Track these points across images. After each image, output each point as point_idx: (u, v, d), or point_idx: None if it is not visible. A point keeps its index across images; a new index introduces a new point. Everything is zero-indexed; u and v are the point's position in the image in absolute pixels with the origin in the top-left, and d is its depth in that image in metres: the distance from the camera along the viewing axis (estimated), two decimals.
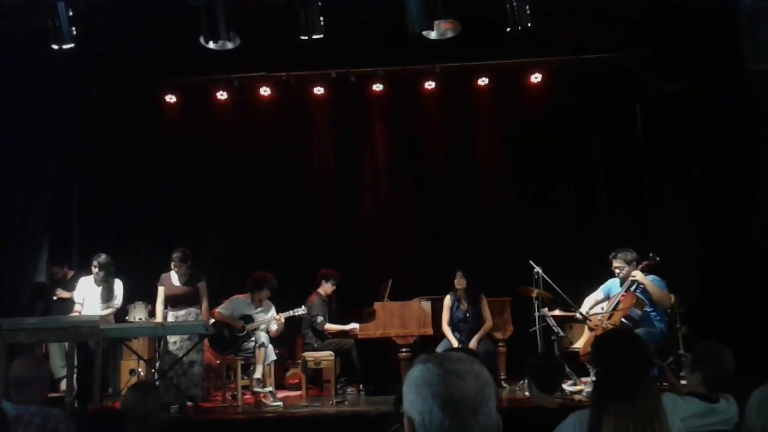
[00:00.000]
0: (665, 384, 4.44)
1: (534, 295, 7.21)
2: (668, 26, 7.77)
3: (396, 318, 7.42)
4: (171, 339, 6.87)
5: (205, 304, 7.07)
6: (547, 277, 7.15)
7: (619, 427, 2.18)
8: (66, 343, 6.55)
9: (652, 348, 6.42)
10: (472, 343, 7.16)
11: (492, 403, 1.47)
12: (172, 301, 7.05)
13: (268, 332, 7.27)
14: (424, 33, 6.68)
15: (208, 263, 7.84)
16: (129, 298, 7.60)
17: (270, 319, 7.27)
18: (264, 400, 6.82)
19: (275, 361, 7.33)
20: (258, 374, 6.93)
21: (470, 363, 1.51)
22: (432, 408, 1.44)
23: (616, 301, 6.53)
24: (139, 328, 7.21)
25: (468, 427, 1.43)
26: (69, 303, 7.25)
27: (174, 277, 7.09)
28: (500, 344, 7.61)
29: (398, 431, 2.69)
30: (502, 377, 7.46)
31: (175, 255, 7.04)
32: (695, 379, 3.28)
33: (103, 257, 6.97)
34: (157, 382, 6.43)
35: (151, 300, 7.48)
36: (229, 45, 6.89)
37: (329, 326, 7.63)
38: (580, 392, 6.30)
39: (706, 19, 7.17)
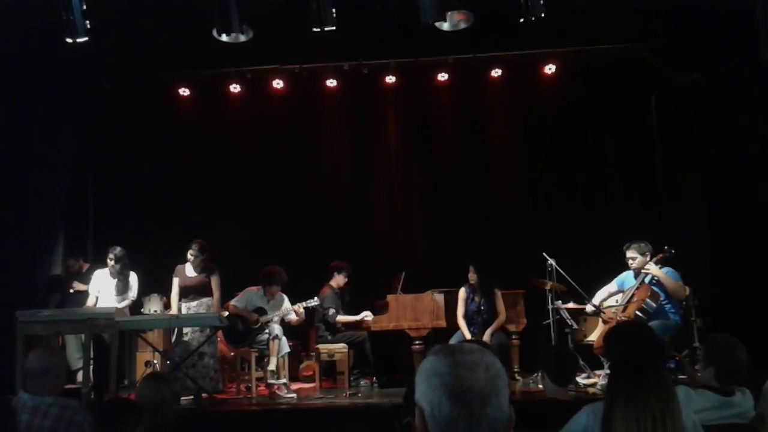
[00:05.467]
0: (682, 377, 4.42)
1: (547, 287, 7.18)
2: (682, 16, 7.69)
3: (409, 310, 7.43)
4: (183, 330, 6.93)
5: (217, 296, 7.12)
6: (560, 270, 7.11)
7: (632, 420, 2.17)
8: (82, 335, 6.62)
9: (667, 340, 6.40)
10: (486, 336, 7.17)
11: (503, 395, 1.46)
12: (184, 292, 7.12)
13: (288, 322, 7.31)
14: (437, 24, 6.66)
15: (221, 255, 7.87)
16: (144, 290, 7.66)
17: (287, 310, 7.30)
18: (278, 392, 6.86)
19: (289, 353, 7.34)
20: (272, 366, 6.96)
21: (481, 354, 1.50)
22: (441, 398, 1.44)
23: (630, 294, 6.50)
24: (154, 320, 7.28)
25: (477, 419, 1.43)
26: (85, 295, 7.30)
27: (188, 268, 7.15)
28: (513, 337, 7.61)
29: (410, 423, 2.69)
30: (516, 370, 7.45)
31: (193, 246, 7.11)
32: (708, 374, 3.26)
33: (118, 250, 7.03)
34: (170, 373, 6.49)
35: (166, 292, 7.53)
36: (242, 38, 6.90)
37: (341, 318, 7.65)
38: (594, 385, 6.27)
39: (721, 8, 7.10)
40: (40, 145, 8.14)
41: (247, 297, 7.35)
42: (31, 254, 8.00)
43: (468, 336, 7.22)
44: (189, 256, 7.12)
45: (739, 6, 6.64)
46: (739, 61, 7.36)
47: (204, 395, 6.60)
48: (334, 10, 6.49)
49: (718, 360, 3.23)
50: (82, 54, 7.33)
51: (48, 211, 8.19)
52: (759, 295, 7.29)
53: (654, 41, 8.45)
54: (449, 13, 6.61)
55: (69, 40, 6.56)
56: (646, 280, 6.46)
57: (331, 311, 7.60)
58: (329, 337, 7.61)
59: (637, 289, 6.47)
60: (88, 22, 6.51)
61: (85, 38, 6.55)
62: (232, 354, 7.41)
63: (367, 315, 7.56)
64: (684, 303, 6.82)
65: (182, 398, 6.48)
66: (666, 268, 6.45)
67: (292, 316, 7.33)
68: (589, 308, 6.85)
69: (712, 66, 7.95)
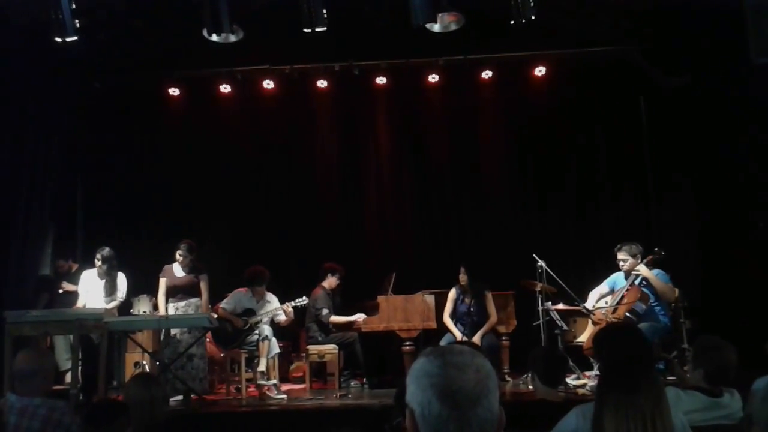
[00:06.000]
0: (671, 378, 4.44)
1: (538, 288, 7.20)
2: (672, 19, 7.73)
3: (399, 311, 7.43)
4: (172, 331, 6.90)
5: (205, 297, 7.10)
6: (550, 271, 7.14)
7: (621, 421, 2.18)
8: (71, 336, 6.58)
9: (657, 342, 6.44)
10: (476, 338, 7.17)
11: (493, 396, 1.47)
12: (173, 292, 7.09)
13: (277, 323, 7.29)
14: (428, 26, 6.67)
15: (211, 256, 7.85)
16: (133, 291, 7.62)
17: (276, 310, 7.28)
18: (268, 393, 6.85)
19: (279, 354, 7.33)
20: (262, 367, 6.94)
21: (472, 356, 1.51)
22: (431, 399, 1.44)
23: (620, 295, 6.53)
24: (144, 320, 7.23)
25: (467, 419, 1.43)
26: (74, 296, 7.27)
27: (176, 269, 7.12)
28: (504, 338, 7.62)
29: (400, 424, 2.70)
30: (506, 371, 7.46)
31: (181, 246, 7.08)
32: (697, 375, 3.28)
33: (106, 250, 6.99)
34: (159, 374, 6.46)
35: (155, 293, 7.49)
36: (232, 38, 6.89)
37: (335, 318, 7.64)
38: (583, 386, 6.29)
39: (711, 11, 7.13)
40: (29, 145, 8.10)
41: (236, 299, 7.32)
42: (19, 254, 7.95)
43: (458, 336, 7.23)
44: (177, 256, 7.09)
45: (728, 8, 6.68)
46: (729, 63, 7.40)
47: (193, 396, 6.57)
48: (324, 11, 6.48)
49: (707, 361, 3.25)
50: (72, 53, 7.29)
51: (37, 211, 8.14)
52: (748, 297, 7.33)
53: (643, 43, 8.49)
54: (440, 14, 6.62)
55: (58, 39, 6.52)
56: (636, 281, 6.49)
57: (325, 312, 7.59)
58: (320, 338, 7.61)
59: (627, 290, 6.50)
60: (77, 21, 6.48)
61: (75, 37, 6.52)
62: (221, 355, 7.39)
63: (360, 317, 7.56)
64: (673, 305, 6.86)
65: (171, 399, 6.46)
66: (656, 270, 6.49)
67: (281, 317, 7.31)
68: (584, 310, 6.87)
69: (701, 68, 7.99)
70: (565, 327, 7.22)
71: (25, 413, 3.34)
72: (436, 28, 6.85)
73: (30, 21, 7.09)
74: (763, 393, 2.74)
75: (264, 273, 7.33)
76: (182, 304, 7.08)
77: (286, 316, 7.32)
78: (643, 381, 2.24)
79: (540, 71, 9.28)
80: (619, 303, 6.48)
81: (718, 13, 7.03)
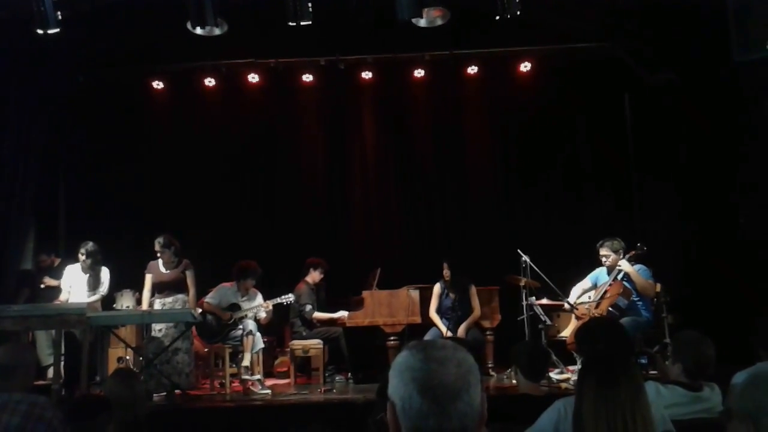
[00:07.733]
0: (653, 372, 4.47)
1: (522, 284, 7.23)
2: (657, 16, 7.77)
3: (384, 306, 7.43)
4: (156, 326, 6.87)
5: (192, 292, 7.06)
6: (534, 266, 7.17)
7: (600, 415, 2.20)
8: (53, 331, 6.53)
9: (639, 337, 6.49)
10: (460, 332, 7.21)
11: (474, 391, 1.47)
12: (159, 288, 7.05)
13: (256, 320, 7.27)
14: (414, 20, 6.66)
15: (196, 251, 7.80)
16: (116, 285, 7.57)
17: (258, 307, 7.26)
18: (252, 388, 6.83)
19: (263, 349, 7.33)
20: (246, 362, 6.93)
21: (454, 350, 1.51)
22: (412, 393, 1.45)
23: (603, 290, 6.57)
24: (127, 315, 7.19)
25: (447, 414, 1.43)
26: (56, 291, 7.22)
27: (162, 264, 7.07)
28: (488, 333, 7.65)
29: (383, 420, 2.70)
30: (490, 365, 7.50)
31: (157, 240, 7.02)
32: (676, 370, 3.31)
33: (90, 245, 6.95)
34: (141, 369, 6.44)
35: (139, 288, 7.45)
36: (217, 31, 6.84)
37: (318, 314, 7.63)
38: (566, 380, 6.34)
39: (696, 9, 7.18)
40: (11, 138, 8.00)
41: (221, 293, 7.29)
42: (0, 249, 7.86)
43: (444, 330, 7.25)
44: (156, 252, 7.04)
45: (711, 6, 6.73)
46: (712, 61, 7.45)
47: (177, 391, 6.55)
48: (310, 4, 6.46)
49: (686, 356, 3.28)
50: (54, 46, 7.21)
51: (19, 205, 8.06)
52: (728, 292, 7.39)
53: (628, 40, 8.52)
54: (426, 9, 6.61)
55: (40, 32, 6.45)
56: (619, 276, 6.54)
57: (308, 307, 7.57)
58: (304, 333, 7.59)
59: (610, 285, 6.55)
60: (59, 13, 6.42)
61: (57, 30, 6.45)
62: (205, 350, 7.37)
63: (343, 314, 7.56)
64: (655, 300, 6.92)
65: (155, 394, 6.44)
66: (638, 265, 6.53)
67: (261, 314, 7.27)
68: (566, 305, 6.91)
69: (685, 65, 8.03)
70: (548, 322, 7.26)
71: (6, 408, 3.30)
72: (421, 23, 6.84)
73: (11, 13, 7.01)
74: (742, 387, 2.77)
75: (254, 268, 7.29)
76: (169, 300, 7.03)
77: (266, 314, 7.29)
78: (621, 375, 2.26)
79: (525, 67, 9.30)
80: (601, 298, 6.53)
81: (703, 11, 7.08)
